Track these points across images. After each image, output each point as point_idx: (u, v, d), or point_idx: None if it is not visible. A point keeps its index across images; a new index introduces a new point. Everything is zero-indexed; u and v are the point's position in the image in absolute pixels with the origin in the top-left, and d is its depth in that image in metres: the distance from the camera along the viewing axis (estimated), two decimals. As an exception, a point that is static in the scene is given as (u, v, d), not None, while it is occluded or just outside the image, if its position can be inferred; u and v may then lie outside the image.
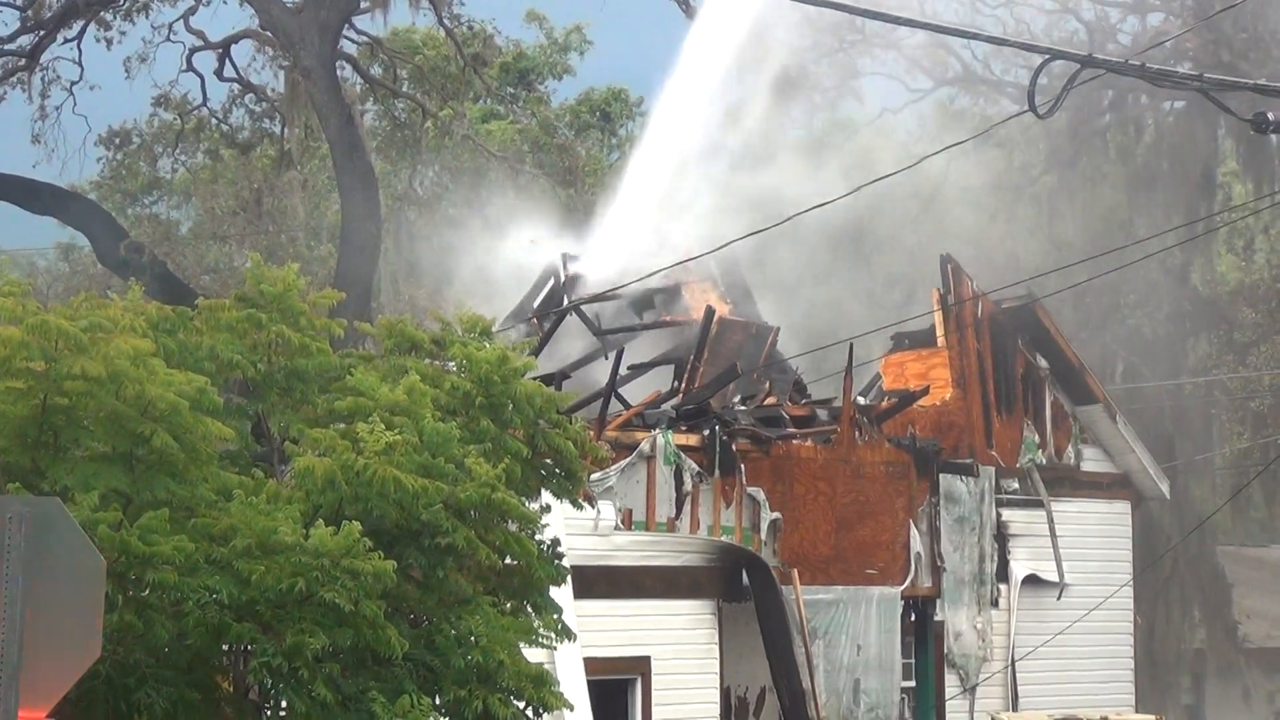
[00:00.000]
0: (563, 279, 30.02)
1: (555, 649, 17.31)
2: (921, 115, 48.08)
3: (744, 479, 25.31)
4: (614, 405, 25.94)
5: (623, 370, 26.63)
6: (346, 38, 37.37)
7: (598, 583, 23.08)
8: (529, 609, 15.09)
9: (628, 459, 24.29)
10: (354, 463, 13.59)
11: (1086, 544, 29.24)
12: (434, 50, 43.80)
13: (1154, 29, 43.73)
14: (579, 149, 49.50)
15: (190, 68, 39.64)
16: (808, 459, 26.03)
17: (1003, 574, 28.23)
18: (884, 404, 27.63)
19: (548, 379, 22.01)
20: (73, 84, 39.45)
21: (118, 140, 43.48)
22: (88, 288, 38.07)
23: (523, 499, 14.86)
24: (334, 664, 13.12)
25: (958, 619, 27.50)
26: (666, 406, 26.55)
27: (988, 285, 29.22)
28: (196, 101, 41.16)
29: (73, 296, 15.25)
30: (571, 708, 15.25)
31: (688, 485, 24.90)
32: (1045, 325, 29.44)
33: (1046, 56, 15.69)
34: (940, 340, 28.51)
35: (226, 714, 13.63)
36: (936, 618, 27.29)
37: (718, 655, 24.76)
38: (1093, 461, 29.81)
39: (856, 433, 26.54)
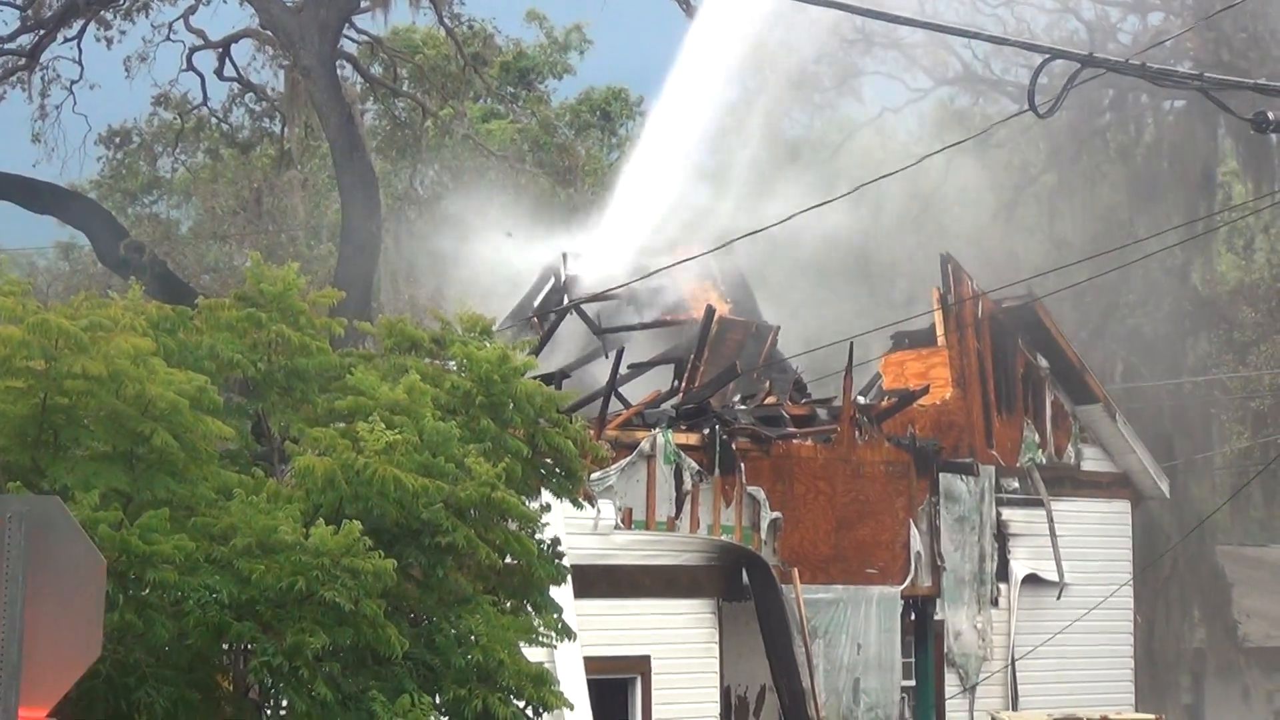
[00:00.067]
0: (563, 278, 30.03)
1: (555, 648, 17.34)
2: (922, 115, 48.09)
3: (744, 478, 25.32)
4: (614, 404, 25.95)
5: (623, 369, 26.63)
6: (347, 37, 37.39)
7: (598, 582, 23.09)
8: (529, 608, 15.09)
9: (628, 458, 24.29)
10: (354, 462, 13.60)
11: (1086, 543, 29.25)
12: (434, 49, 43.81)
13: (1154, 28, 43.73)
14: (579, 148, 49.51)
15: (190, 67, 39.66)
16: (808, 458, 26.03)
17: (1003, 573, 28.24)
18: (884, 403, 27.63)
19: (548, 378, 22.02)
20: (73, 83, 39.47)
21: (118, 139, 43.48)
22: (88, 287, 38.09)
23: (523, 498, 14.86)
24: (334, 663, 13.12)
25: (958, 618, 27.51)
26: (666, 406, 26.55)
27: (988, 285, 29.23)
28: (196, 101, 41.18)
29: (73, 296, 15.25)
30: (571, 707, 15.25)
31: (688, 484, 24.90)
32: (1045, 325, 29.44)
33: (1047, 56, 15.68)
34: (940, 339, 28.52)
35: (226, 713, 13.64)
36: (936, 617, 27.30)
37: (718, 654, 24.76)
38: (1093, 461, 29.81)
39: (856, 432, 26.55)
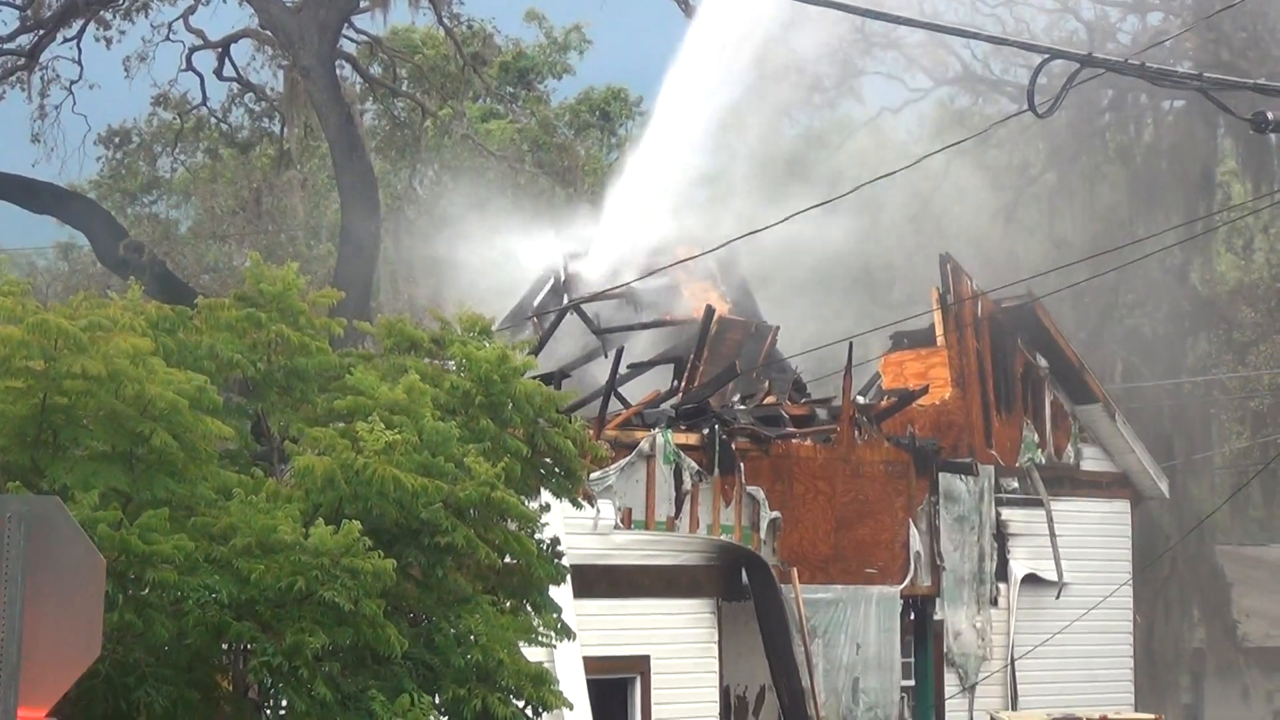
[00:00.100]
0: (562, 278, 30.04)
1: (555, 648, 17.33)
2: (921, 115, 48.10)
3: (743, 478, 25.32)
4: (613, 404, 25.94)
5: (622, 369, 26.63)
6: (346, 37, 37.39)
7: (597, 582, 23.09)
8: (528, 608, 15.09)
9: (627, 458, 24.29)
10: (353, 462, 13.60)
11: (1086, 543, 29.25)
12: (433, 49, 43.81)
13: (1154, 28, 43.74)
14: (578, 148, 49.50)
15: (190, 67, 39.66)
16: (807, 458, 26.03)
17: (1002, 573, 28.24)
18: (883, 403, 27.63)
19: (547, 378, 22.01)
20: (72, 83, 39.48)
21: (117, 139, 43.49)
22: (87, 287, 38.09)
23: (522, 498, 14.86)
24: (333, 663, 13.13)
25: (957, 618, 27.51)
26: (666, 405, 26.55)
27: (987, 284, 29.23)
28: (196, 101, 41.19)
29: (72, 296, 15.25)
30: (571, 706, 15.25)
31: (687, 484, 24.90)
32: (1045, 324, 29.45)
33: (1046, 56, 15.68)
34: (940, 339, 28.52)
35: (226, 713, 13.64)
36: (936, 617, 27.30)
37: (717, 654, 24.76)
38: (1092, 461, 29.82)
39: (856, 432, 26.55)
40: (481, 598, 14.25)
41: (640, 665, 24.04)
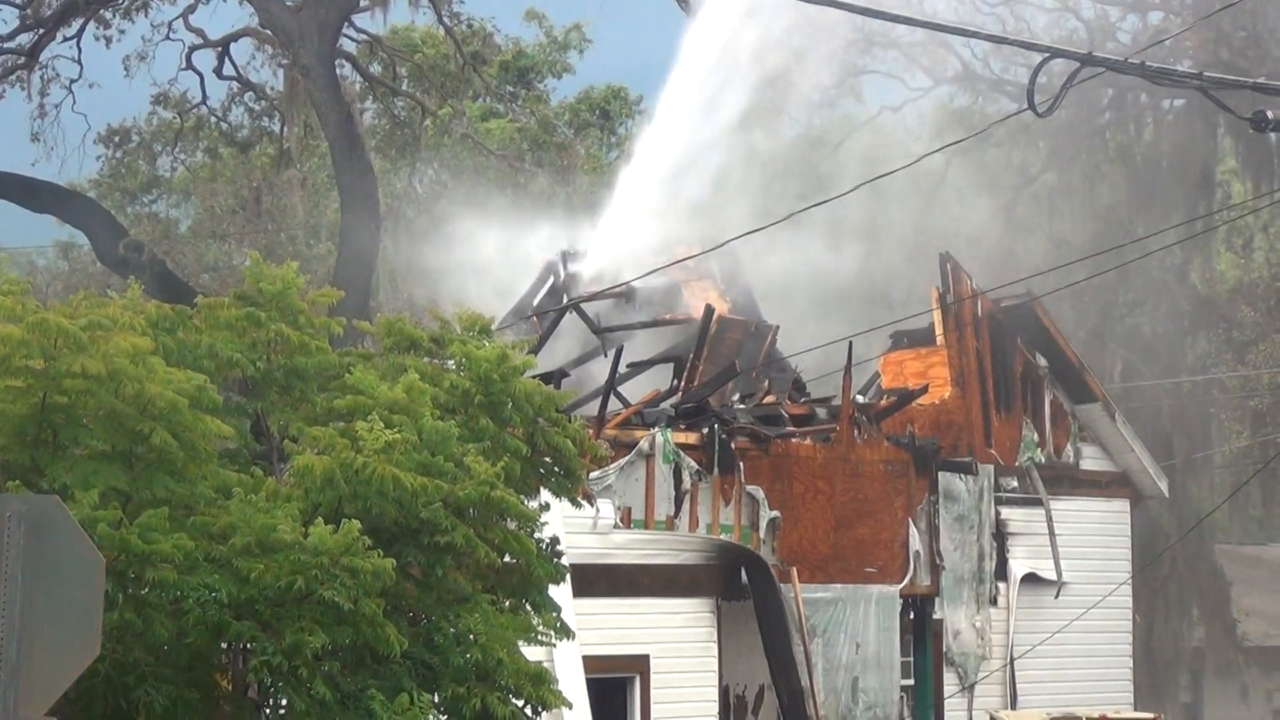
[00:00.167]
0: (562, 277, 30.04)
1: (554, 647, 17.34)
2: (921, 114, 48.08)
3: (743, 477, 25.32)
4: (613, 403, 25.95)
5: (622, 368, 26.63)
6: (346, 36, 37.40)
7: (597, 581, 23.09)
8: (528, 607, 15.09)
9: (627, 457, 24.29)
10: (353, 461, 13.60)
11: (1085, 542, 29.25)
12: (433, 49, 43.81)
13: (1153, 27, 43.73)
14: (578, 147, 49.51)
15: (189, 66, 39.67)
16: (807, 457, 26.03)
17: (1001, 572, 28.24)
18: (883, 402, 27.63)
19: (547, 377, 22.01)
20: (72, 82, 39.48)
21: (117, 138, 43.49)
22: (87, 286, 38.09)
23: (522, 497, 14.86)
24: (333, 662, 13.13)
25: (956, 617, 27.51)
26: (666, 405, 26.55)
27: (987, 284, 29.23)
28: (196, 100, 41.18)
29: (72, 295, 15.25)
30: (570, 706, 15.26)
31: (687, 483, 24.90)
32: (1044, 324, 29.45)
33: (1046, 55, 15.68)
34: (939, 339, 28.52)
35: (225, 712, 13.65)
36: (935, 616, 27.30)
37: (716, 653, 24.76)
38: (1092, 460, 29.82)
39: (855, 431, 26.55)
40: (481, 597, 14.25)
41: (640, 664, 24.04)
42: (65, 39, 38.57)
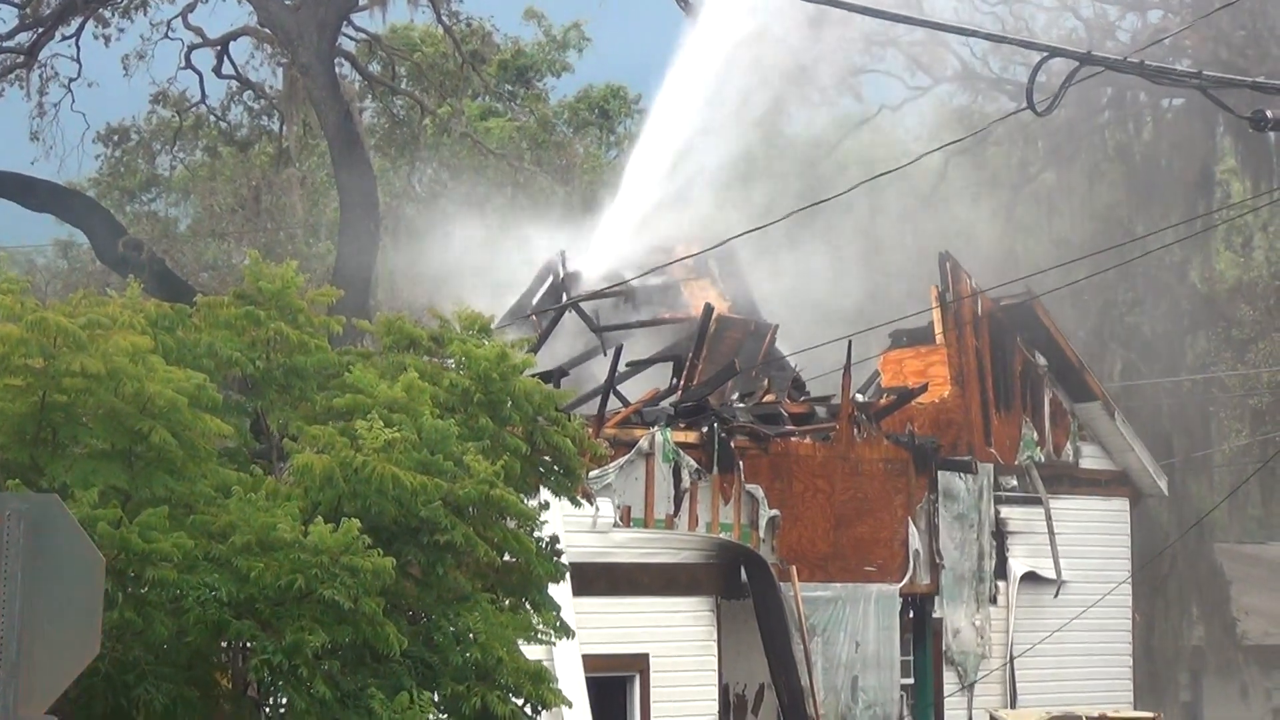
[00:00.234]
0: (561, 276, 30.04)
1: (554, 646, 17.34)
2: (921, 113, 48.05)
3: (742, 476, 25.32)
4: (613, 402, 25.95)
5: (621, 367, 26.63)
6: (345, 35, 37.38)
7: (596, 580, 23.09)
8: (528, 606, 15.09)
9: (626, 456, 24.29)
10: (352, 460, 13.60)
11: (1085, 541, 29.26)
12: (432, 47, 43.79)
13: (1153, 26, 43.70)
14: (577, 147, 49.50)
15: (189, 65, 39.64)
16: (806, 456, 26.03)
17: (1001, 571, 28.25)
18: (882, 401, 27.63)
19: (546, 376, 22.02)
20: (71, 81, 39.44)
21: (116, 137, 43.46)
22: (86, 285, 38.08)
23: (521, 496, 14.86)
24: (333, 661, 13.13)
25: (956, 616, 27.51)
26: (665, 404, 26.56)
27: (986, 283, 29.23)
28: (195, 99, 41.15)
29: (71, 294, 15.25)
30: (570, 705, 15.25)
31: (686, 482, 24.90)
32: (1044, 323, 29.45)
33: (1045, 54, 15.67)
34: (939, 337, 28.52)
35: (225, 711, 13.64)
36: (935, 615, 27.30)
37: (716, 652, 24.76)
38: (1091, 459, 29.82)
39: (855, 430, 26.55)
40: (480, 596, 14.25)
41: (639, 663, 24.04)
42: (64, 38, 38.58)
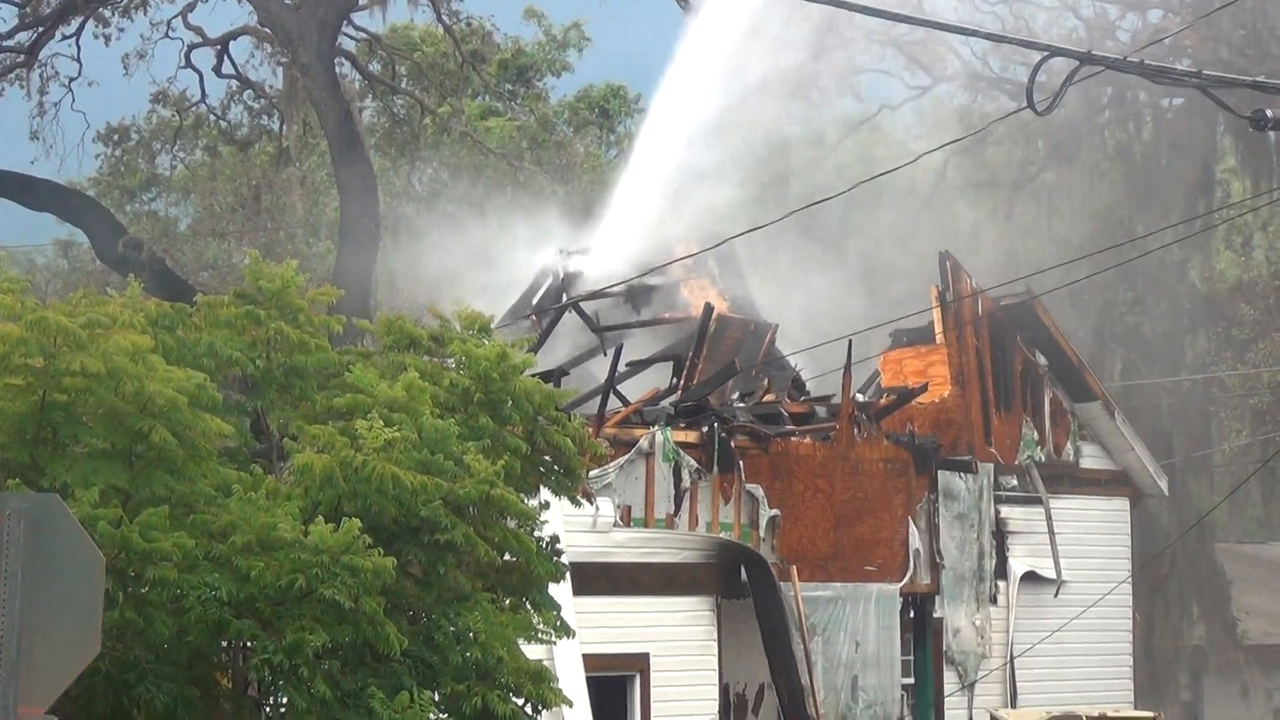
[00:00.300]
0: (561, 276, 30.03)
1: (554, 645, 17.34)
2: (921, 112, 48.03)
3: (743, 476, 25.32)
4: (613, 402, 25.95)
5: (621, 367, 26.63)
6: (345, 34, 37.37)
7: (597, 579, 23.09)
8: (528, 605, 15.09)
9: (626, 456, 24.29)
10: (353, 459, 13.60)
11: (1085, 541, 29.26)
12: (432, 47, 43.78)
13: (1153, 26, 43.68)
14: (577, 146, 49.49)
15: (189, 64, 39.63)
16: (806, 456, 26.03)
17: (1001, 571, 28.25)
18: (883, 401, 27.63)
19: (546, 376, 22.02)
20: (71, 80, 39.43)
21: (116, 137, 43.45)
22: (86, 284, 38.07)
23: (522, 496, 14.86)
24: (333, 660, 13.13)
25: (956, 616, 27.51)
26: (665, 403, 26.56)
27: (986, 282, 29.23)
28: (195, 98, 41.13)
29: (71, 293, 15.24)
30: (570, 704, 15.25)
31: (686, 482, 24.90)
32: (1044, 322, 29.45)
33: (1045, 53, 15.67)
34: (939, 337, 28.52)
35: (226, 710, 13.65)
36: (935, 614, 27.30)
37: (716, 652, 24.76)
38: (1091, 458, 29.82)
39: (855, 430, 26.55)
40: (481, 595, 14.25)
41: (640, 663, 24.04)
42: (64, 37, 38.57)
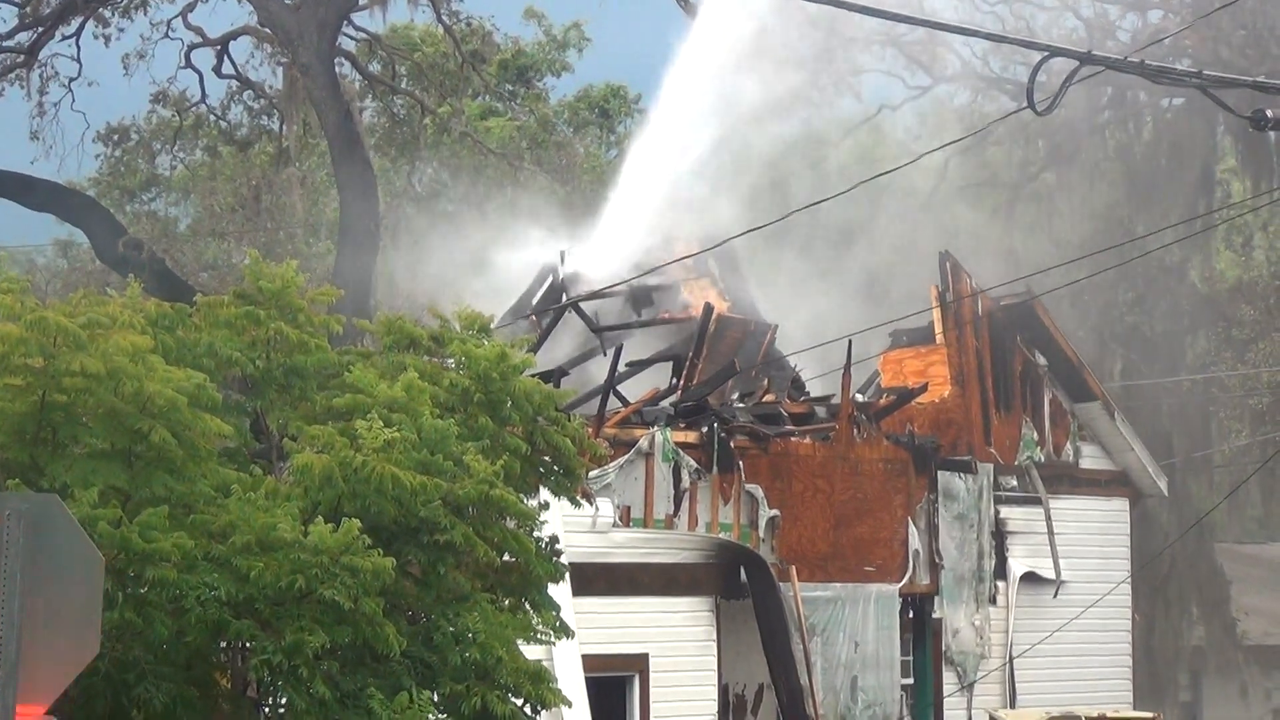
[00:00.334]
0: (561, 276, 30.03)
1: (553, 646, 17.33)
2: (921, 112, 48.03)
3: (742, 476, 25.32)
4: (612, 402, 25.95)
5: (621, 367, 26.63)
6: (345, 34, 37.37)
7: (596, 580, 23.09)
8: (527, 606, 15.10)
9: (626, 456, 24.30)
10: (352, 460, 13.60)
11: (1085, 541, 29.26)
12: (432, 47, 43.78)
13: (1153, 26, 43.68)
14: (577, 146, 49.49)
15: (189, 64, 39.63)
16: (806, 456, 26.03)
17: (1001, 571, 28.25)
18: (882, 401, 27.63)
19: (546, 376, 22.02)
20: (71, 81, 39.42)
21: (116, 137, 43.45)
22: (86, 284, 38.07)
23: (521, 496, 14.86)
24: (332, 661, 13.13)
25: (956, 616, 27.51)
26: (665, 403, 26.56)
27: (986, 282, 29.23)
28: (195, 98, 41.13)
29: (71, 293, 15.24)
30: (569, 704, 15.25)
31: (686, 482, 24.90)
32: (1044, 322, 29.46)
33: (1045, 53, 15.66)
34: (939, 337, 28.53)
35: (225, 710, 13.65)
36: (935, 615, 27.30)
37: (716, 652, 24.77)
38: (1091, 459, 29.82)
39: (855, 430, 26.55)
40: (480, 596, 14.26)
41: (639, 663, 24.04)
42: (64, 37, 38.56)
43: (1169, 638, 40.69)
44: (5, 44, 38.05)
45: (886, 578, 26.56)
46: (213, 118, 42.33)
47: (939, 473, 27.43)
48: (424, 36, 45.38)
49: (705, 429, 25.22)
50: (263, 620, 12.96)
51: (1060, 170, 44.81)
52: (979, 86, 46.69)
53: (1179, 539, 38.23)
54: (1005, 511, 28.47)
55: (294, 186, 45.56)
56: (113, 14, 39.12)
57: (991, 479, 28.24)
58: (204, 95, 40.88)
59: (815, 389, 29.31)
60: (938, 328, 28.55)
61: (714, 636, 24.75)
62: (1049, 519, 28.82)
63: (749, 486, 25.38)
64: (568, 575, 16.27)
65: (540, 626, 15.10)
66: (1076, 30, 44.86)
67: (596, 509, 22.77)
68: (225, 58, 38.99)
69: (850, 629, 25.84)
